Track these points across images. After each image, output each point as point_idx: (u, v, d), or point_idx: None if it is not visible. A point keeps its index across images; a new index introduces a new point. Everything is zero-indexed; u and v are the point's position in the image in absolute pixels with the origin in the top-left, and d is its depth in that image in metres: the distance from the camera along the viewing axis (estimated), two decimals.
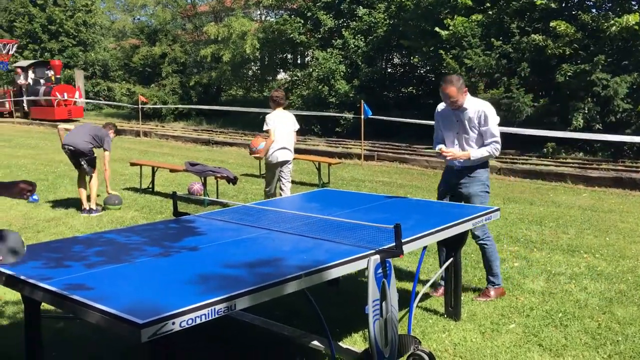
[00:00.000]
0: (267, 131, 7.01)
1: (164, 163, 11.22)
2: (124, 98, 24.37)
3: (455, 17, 14.03)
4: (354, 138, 15.79)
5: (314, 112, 16.95)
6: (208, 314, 2.40)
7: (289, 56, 22.60)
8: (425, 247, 3.93)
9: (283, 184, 7.18)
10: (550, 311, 4.48)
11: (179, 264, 3.06)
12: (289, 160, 7.14)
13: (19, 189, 2.89)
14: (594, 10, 13.44)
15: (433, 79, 17.38)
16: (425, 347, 3.62)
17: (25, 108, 25.67)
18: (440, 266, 4.57)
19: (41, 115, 24.29)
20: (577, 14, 13.05)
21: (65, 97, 23.86)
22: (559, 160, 12.29)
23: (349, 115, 16.38)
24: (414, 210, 4.49)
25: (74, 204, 8.40)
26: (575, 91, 12.50)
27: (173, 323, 2.28)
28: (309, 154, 13.30)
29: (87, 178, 8.02)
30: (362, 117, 12.67)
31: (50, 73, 25.66)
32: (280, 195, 7.19)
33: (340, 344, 3.68)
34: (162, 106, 23.25)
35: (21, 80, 25.72)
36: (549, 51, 12.61)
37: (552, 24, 12.49)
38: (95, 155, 7.97)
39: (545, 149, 12.69)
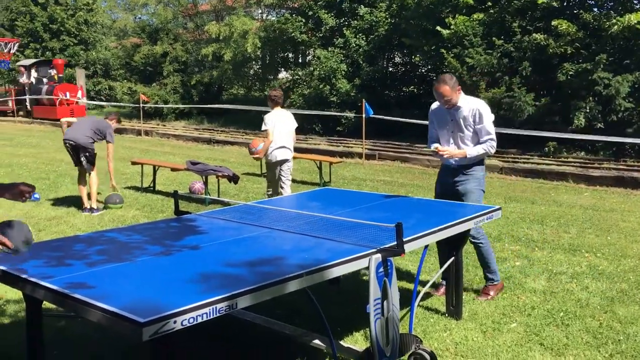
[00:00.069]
0: (265, 131, 7.04)
1: (165, 162, 11.22)
2: (125, 97, 24.37)
3: (457, 16, 14.02)
4: (355, 137, 15.79)
5: (315, 111, 16.95)
6: (209, 312, 2.40)
7: (290, 55, 22.58)
8: (426, 246, 3.93)
9: (283, 183, 7.20)
10: (551, 310, 4.48)
11: (180, 263, 3.06)
12: (288, 159, 7.16)
13: (19, 191, 2.90)
14: (595, 9, 13.43)
15: (434, 78, 17.35)
16: (427, 346, 3.62)
17: (28, 107, 25.68)
18: (441, 265, 4.57)
19: (44, 114, 24.29)
20: (579, 13, 13.05)
21: (68, 97, 23.87)
22: (560, 159, 12.28)
23: (350, 115, 16.38)
24: (415, 209, 4.49)
25: (75, 202, 8.41)
26: (577, 90, 12.48)
27: (174, 322, 2.28)
28: (310, 153, 13.30)
29: (87, 176, 8.02)
30: (364, 116, 12.67)
31: (53, 72, 25.67)
32: (281, 193, 7.20)
33: (342, 342, 3.68)
34: (163, 105, 23.25)
35: (24, 79, 25.73)
36: (551, 50, 12.60)
37: (553, 23, 12.48)
38: (95, 152, 7.97)
39: (546, 148, 12.69)
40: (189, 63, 26.24)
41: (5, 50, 26.79)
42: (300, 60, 22.61)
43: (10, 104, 26.28)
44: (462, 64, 13.63)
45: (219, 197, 8.80)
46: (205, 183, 8.80)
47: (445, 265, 4.26)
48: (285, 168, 7.14)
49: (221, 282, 2.70)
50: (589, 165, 11.52)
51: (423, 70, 18.48)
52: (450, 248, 4.26)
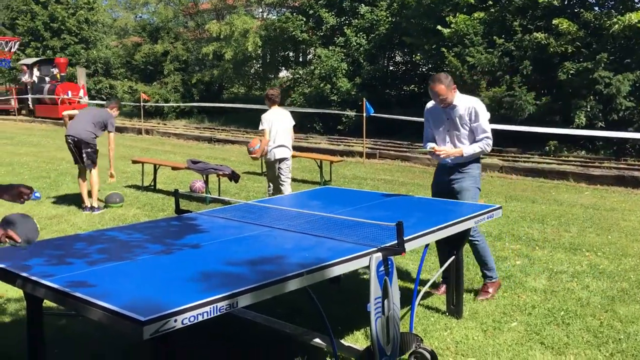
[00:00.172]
0: (262, 131, 7.08)
1: (166, 161, 11.23)
2: (126, 96, 24.37)
3: (457, 14, 14.01)
4: (355, 136, 15.79)
5: (316, 110, 16.94)
6: (210, 311, 2.40)
7: (291, 54, 22.57)
8: (427, 245, 3.94)
9: (282, 181, 7.23)
10: (552, 309, 4.48)
11: (181, 262, 3.06)
12: (287, 158, 7.18)
13: (18, 192, 2.91)
14: (596, 8, 13.42)
15: None
16: (427, 345, 3.62)
17: (30, 106, 25.69)
18: (441, 264, 4.57)
19: (46, 113, 24.30)
20: (580, 12, 13.03)
21: (70, 95, 23.87)
22: (561, 158, 12.27)
23: (351, 113, 16.37)
24: (415, 208, 4.49)
25: (76, 201, 8.41)
26: (578, 89, 12.48)
27: (175, 320, 2.28)
28: (311, 151, 13.29)
29: (88, 175, 8.02)
30: (364, 115, 12.67)
31: (55, 71, 25.68)
32: (281, 191, 7.23)
33: (342, 341, 3.68)
34: (164, 104, 23.26)
35: (26, 78, 25.74)
36: (551, 49, 12.59)
37: (554, 21, 12.47)
38: (97, 149, 7.98)
39: (547, 147, 12.68)
40: (190, 62, 26.24)
41: (6, 49, 26.80)
42: (301, 59, 22.60)
43: (12, 102, 26.29)
44: (462, 63, 13.62)
45: (219, 196, 8.80)
46: (206, 182, 8.80)
47: (446, 265, 4.26)
48: (284, 166, 7.17)
49: (222, 280, 2.70)
50: (589, 164, 11.52)
51: (424, 69, 18.46)
52: (450, 247, 4.26)
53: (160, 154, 14.05)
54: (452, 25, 13.89)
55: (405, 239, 3.19)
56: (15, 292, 4.60)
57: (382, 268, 3.15)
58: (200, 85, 24.59)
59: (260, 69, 25.00)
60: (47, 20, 31.46)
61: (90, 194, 8.02)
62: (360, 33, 17.75)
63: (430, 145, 4.69)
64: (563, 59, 12.70)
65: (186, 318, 2.32)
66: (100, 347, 3.87)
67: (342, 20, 19.14)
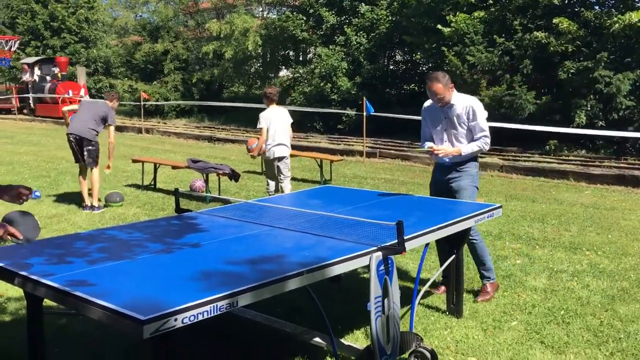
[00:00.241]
0: (260, 130, 7.12)
1: (166, 160, 11.22)
2: (126, 95, 24.35)
3: (458, 13, 13.99)
4: (356, 135, 15.78)
5: (316, 109, 16.94)
6: (210, 310, 2.40)
7: (291, 53, 22.57)
8: (427, 245, 3.94)
9: (282, 178, 7.28)
10: (552, 308, 4.48)
11: (181, 261, 3.06)
12: (286, 156, 7.23)
13: (17, 193, 2.91)
14: (596, 7, 13.40)
15: None
16: (427, 344, 3.62)
17: (31, 105, 25.68)
18: (441, 264, 4.57)
19: (47, 112, 24.28)
20: (580, 11, 13.02)
21: (70, 94, 23.86)
22: (561, 157, 12.26)
23: (351, 112, 16.36)
24: (416, 207, 4.49)
25: (76, 200, 8.41)
26: (578, 88, 12.47)
27: (175, 320, 2.28)
28: (311, 151, 13.28)
29: (89, 173, 8.02)
30: (364, 114, 12.66)
31: (56, 70, 25.67)
32: (281, 188, 7.29)
33: (342, 340, 3.68)
34: (164, 103, 23.25)
35: (27, 77, 25.72)
36: (552, 48, 12.58)
37: (554, 21, 12.46)
38: (99, 146, 7.99)
39: (547, 146, 12.67)
40: (190, 61, 26.23)
41: (6, 48, 26.78)
42: (301, 58, 22.59)
43: (13, 101, 26.29)
44: (463, 62, 13.61)
45: (219, 195, 8.80)
46: (206, 181, 8.80)
47: (446, 264, 4.26)
48: (283, 164, 7.23)
49: (222, 280, 2.70)
50: (589, 163, 11.51)
51: (424, 68, 18.43)
52: (450, 246, 4.26)
53: (160, 153, 14.05)
54: (453, 24, 13.87)
55: (405, 238, 3.19)
56: (16, 291, 4.60)
57: (382, 267, 3.15)
58: (201, 84, 24.58)
59: (261, 68, 24.99)
60: (47, 19, 31.44)
61: (90, 193, 8.03)
62: (361, 32, 17.73)
63: (429, 144, 4.69)
64: (563, 58, 12.69)
65: (186, 317, 2.32)
66: (101, 346, 3.87)
67: (343, 19, 19.12)
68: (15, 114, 25.81)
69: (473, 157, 4.68)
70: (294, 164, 11.53)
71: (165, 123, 22.43)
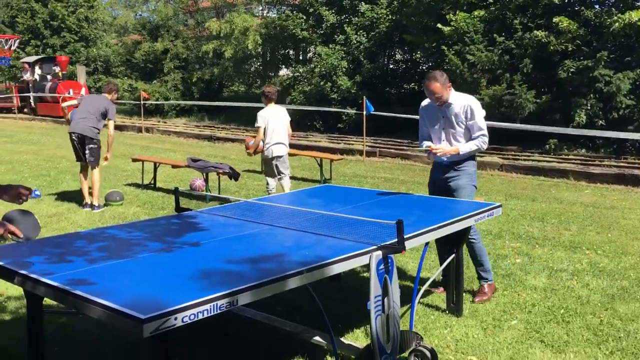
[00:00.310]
0: (257, 128, 7.17)
1: (166, 159, 11.22)
2: (126, 94, 24.34)
3: (458, 12, 13.99)
4: (355, 134, 15.78)
5: (316, 108, 16.93)
6: (210, 309, 2.40)
7: (291, 52, 22.56)
8: (427, 244, 3.94)
9: (282, 175, 7.33)
10: (552, 307, 4.48)
11: (181, 260, 3.06)
12: (284, 154, 7.28)
13: (17, 192, 2.91)
14: (596, 7, 13.40)
15: None
16: (427, 343, 3.62)
17: (32, 104, 25.68)
18: (441, 263, 4.57)
19: (47, 111, 24.26)
20: (580, 10, 13.02)
21: (71, 94, 23.83)
22: (561, 156, 12.26)
23: (351, 112, 16.36)
24: (416, 206, 4.49)
25: (76, 199, 8.41)
26: (578, 87, 12.47)
27: (175, 318, 2.28)
28: (311, 150, 13.29)
29: (90, 172, 8.04)
30: (364, 113, 12.66)
31: (57, 69, 25.66)
32: (281, 185, 7.35)
33: (342, 339, 3.68)
34: (164, 102, 23.25)
35: (28, 76, 25.71)
36: (552, 47, 12.58)
37: (554, 20, 12.45)
38: (100, 144, 8.02)
39: (547, 146, 12.67)
40: (190, 60, 26.23)
41: (6, 47, 26.76)
42: (301, 57, 22.59)
43: (14, 100, 26.28)
44: (463, 61, 13.61)
45: (219, 194, 8.80)
46: (206, 180, 8.80)
47: (446, 263, 4.26)
48: (281, 162, 7.29)
49: (222, 278, 2.70)
50: (589, 162, 11.52)
51: (424, 67, 18.43)
52: (450, 245, 4.26)
53: (160, 152, 14.05)
54: (453, 23, 13.87)
55: (405, 237, 3.19)
56: (16, 290, 4.60)
57: (382, 266, 3.15)
58: (200, 84, 24.58)
59: (261, 67, 24.99)
60: (47, 18, 31.44)
61: (91, 192, 8.04)
62: (361, 31, 17.73)
63: (427, 143, 4.68)
64: (563, 57, 12.69)
65: (186, 316, 2.32)
66: (101, 345, 3.87)
67: (342, 18, 19.12)
68: (15, 113, 25.81)
69: (471, 156, 4.67)
70: (294, 163, 11.53)
71: (165, 122, 22.42)
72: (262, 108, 7.37)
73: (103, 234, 3.70)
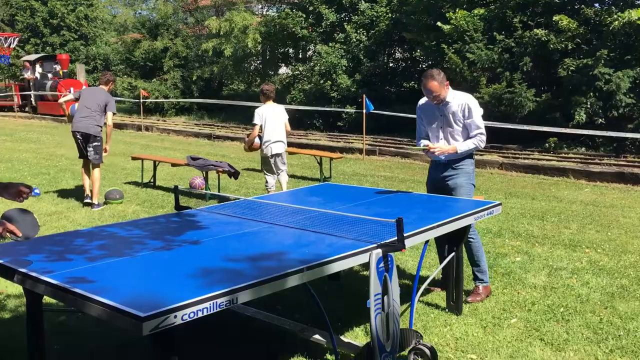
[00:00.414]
0: (254, 125, 7.24)
1: (166, 157, 11.22)
2: (125, 92, 24.34)
3: (457, 11, 13.98)
4: (355, 133, 15.78)
5: (316, 106, 16.93)
6: (210, 307, 2.40)
7: (291, 50, 22.55)
8: (427, 242, 3.93)
9: (280, 171, 7.38)
10: (551, 306, 4.48)
11: (181, 258, 3.06)
12: (282, 152, 7.34)
13: (17, 191, 2.91)
14: (596, 5, 13.38)
15: None
16: (427, 342, 3.62)
17: (33, 102, 25.66)
18: (441, 261, 4.57)
19: (48, 110, 24.23)
20: (580, 9, 13.01)
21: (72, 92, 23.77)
22: (560, 155, 12.27)
23: (351, 110, 16.36)
24: (415, 204, 4.49)
25: (76, 197, 8.41)
26: (578, 86, 12.46)
27: (175, 316, 2.28)
28: (311, 148, 13.29)
29: (92, 169, 8.06)
30: (364, 111, 12.65)
31: (58, 67, 25.63)
32: (280, 182, 7.40)
33: (342, 337, 3.68)
34: (163, 100, 23.24)
35: (29, 75, 25.69)
36: (552, 46, 12.58)
37: (554, 18, 12.45)
38: (102, 142, 8.05)
39: (547, 144, 12.67)
40: (190, 58, 26.20)
41: (5, 45, 26.73)
42: (300, 56, 22.58)
43: (15, 99, 26.25)
44: (462, 60, 13.60)
45: (219, 192, 8.80)
46: (206, 178, 8.80)
47: (445, 261, 4.26)
48: (279, 160, 7.36)
49: (221, 277, 2.70)
50: (589, 161, 11.52)
51: (424, 66, 18.40)
52: (450, 244, 4.26)
53: (160, 151, 14.04)
54: (452, 22, 13.86)
55: (405, 235, 3.18)
56: (15, 288, 4.60)
57: (382, 264, 3.15)
58: (200, 82, 24.56)
59: (260, 66, 24.99)
60: (47, 16, 31.42)
61: (91, 189, 8.06)
62: (360, 29, 17.72)
63: (424, 142, 4.67)
64: (563, 56, 12.68)
65: (186, 314, 2.32)
66: (100, 343, 3.87)
67: (342, 16, 19.11)
68: (15, 111, 25.79)
69: (469, 155, 4.66)
70: (294, 162, 11.54)
71: (164, 120, 22.41)
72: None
73: (103, 232, 3.70)
